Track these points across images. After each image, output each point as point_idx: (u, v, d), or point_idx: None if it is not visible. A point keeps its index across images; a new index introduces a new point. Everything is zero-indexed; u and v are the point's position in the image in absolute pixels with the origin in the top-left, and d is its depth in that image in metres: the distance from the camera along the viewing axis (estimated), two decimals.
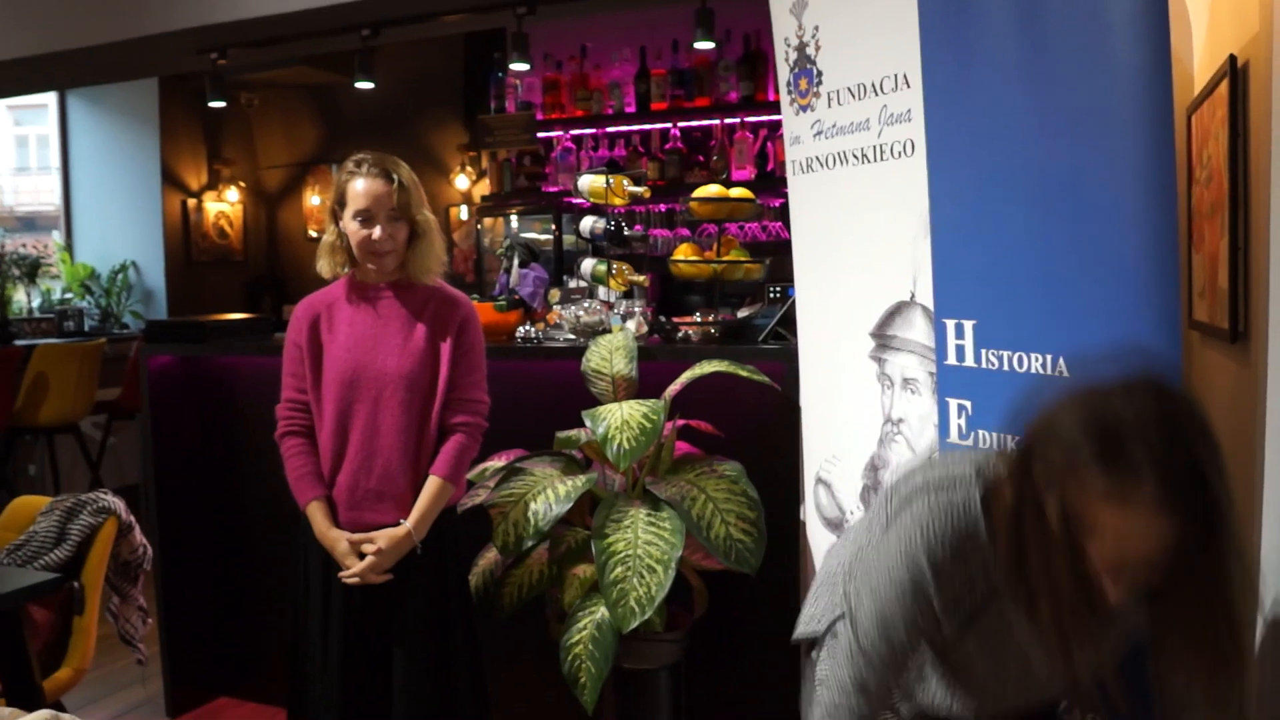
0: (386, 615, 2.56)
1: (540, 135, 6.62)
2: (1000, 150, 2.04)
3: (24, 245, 7.72)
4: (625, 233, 3.27)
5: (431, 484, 2.55)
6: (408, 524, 2.52)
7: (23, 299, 7.54)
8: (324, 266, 2.63)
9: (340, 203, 2.56)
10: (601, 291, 3.30)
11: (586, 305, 3.18)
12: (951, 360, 2.15)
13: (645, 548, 2.48)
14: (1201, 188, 2.03)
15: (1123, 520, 1.27)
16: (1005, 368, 2.03)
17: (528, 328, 3.31)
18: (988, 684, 1.60)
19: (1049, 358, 1.93)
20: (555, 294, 3.40)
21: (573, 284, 3.39)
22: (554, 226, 6.38)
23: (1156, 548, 1.27)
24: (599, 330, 3.12)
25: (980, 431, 2.10)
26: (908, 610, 1.52)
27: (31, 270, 7.44)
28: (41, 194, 8.59)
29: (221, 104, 5.01)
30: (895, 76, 2.36)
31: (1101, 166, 1.85)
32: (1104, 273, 1.85)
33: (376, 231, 2.52)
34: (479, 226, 7.08)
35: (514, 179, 6.87)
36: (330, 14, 4.11)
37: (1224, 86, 1.80)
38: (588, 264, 3.31)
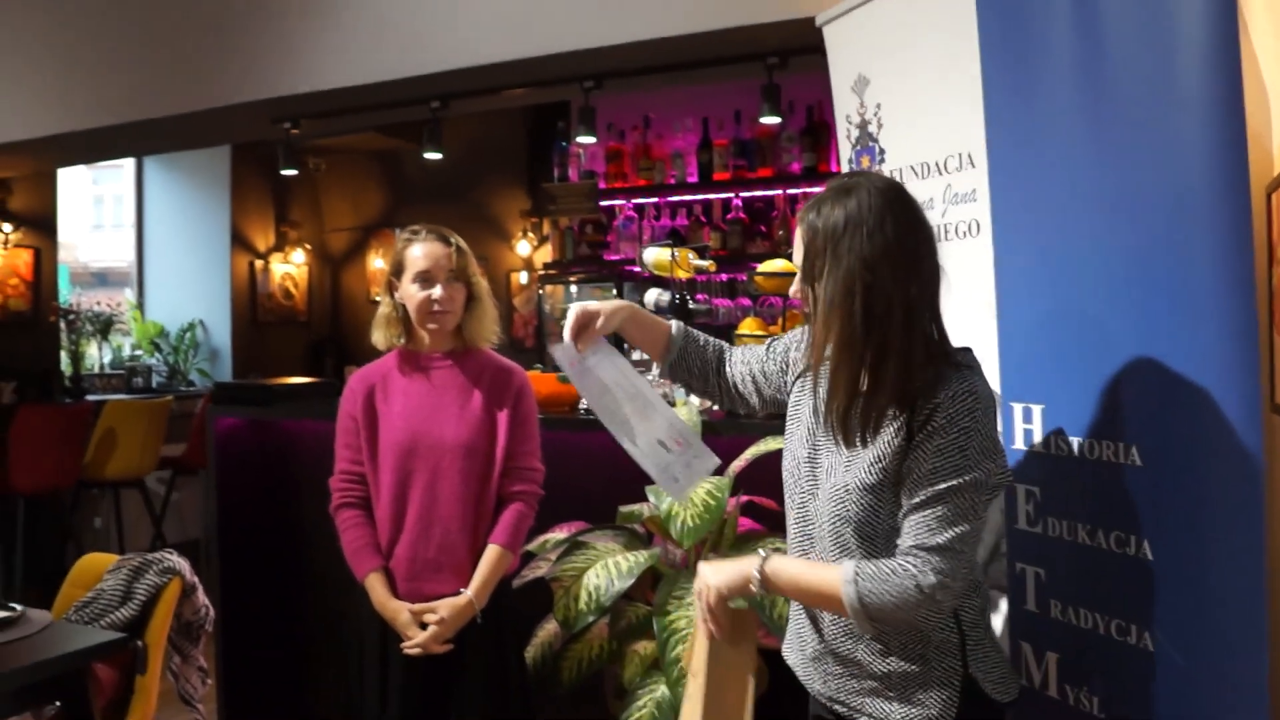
0: (445, 688, 2.55)
1: (602, 204, 6.70)
2: (1068, 231, 2.02)
3: (98, 302, 7.92)
4: (690, 306, 3.28)
5: (491, 553, 2.56)
6: (469, 593, 2.52)
7: (95, 354, 7.72)
8: (379, 338, 2.66)
9: (397, 272, 2.61)
10: None
11: (650, 378, 3.19)
12: (1019, 445, 2.12)
13: None
14: None
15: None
16: (1075, 454, 2.00)
17: None
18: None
19: (1121, 445, 1.90)
20: None
21: (636, 355, 3.40)
22: (615, 294, 6.41)
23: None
24: None
25: (1049, 519, 2.07)
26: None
27: (105, 327, 7.62)
28: (115, 251, 8.82)
29: (293, 172, 5.13)
30: (960, 155, 2.36)
31: (1173, 247, 1.82)
32: (1178, 356, 1.81)
33: (437, 291, 2.55)
34: (540, 293, 7.15)
35: (576, 247, 6.94)
36: (401, 86, 4.20)
37: None
38: None
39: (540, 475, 2.65)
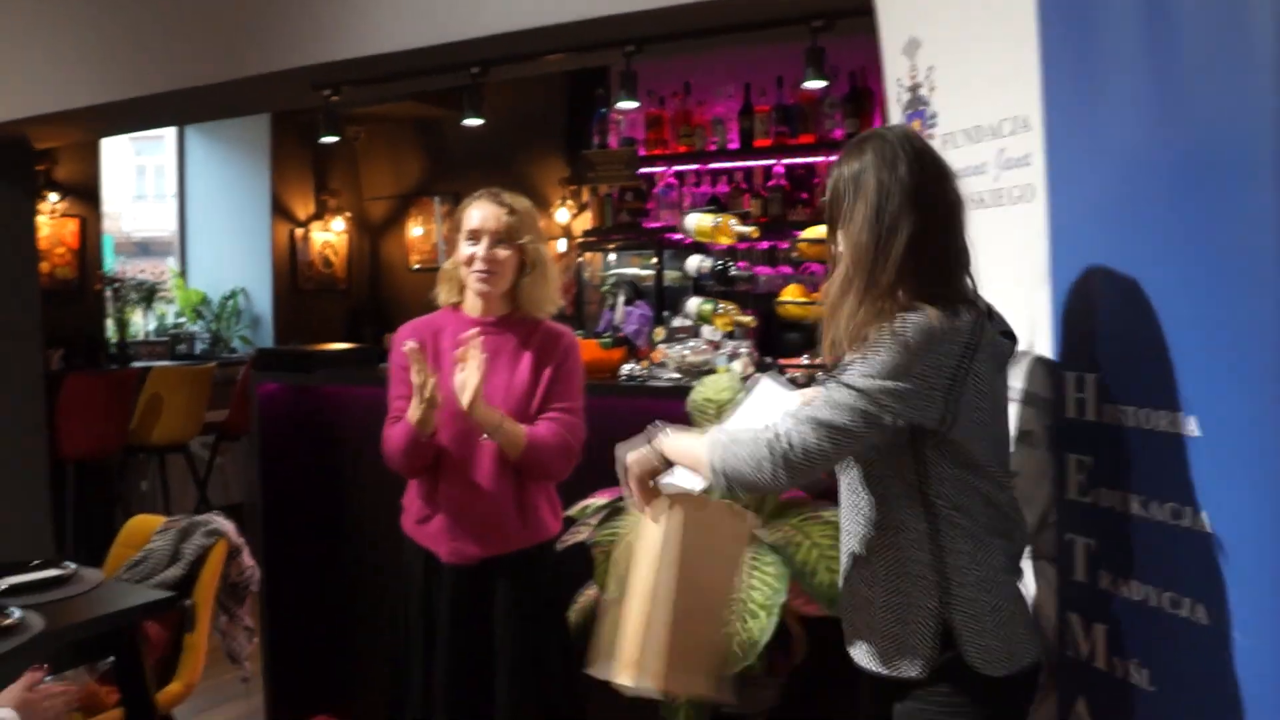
0: (490, 645, 2.58)
1: (642, 171, 6.64)
2: (1127, 196, 1.96)
3: (142, 270, 8.00)
4: (732, 273, 3.26)
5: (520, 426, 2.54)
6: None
7: (140, 322, 7.81)
8: (440, 292, 2.72)
9: (457, 231, 2.65)
10: (706, 330, 3.29)
11: (693, 345, 3.18)
12: (1072, 414, 2.09)
13: (749, 592, 2.45)
14: None
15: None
16: (1130, 424, 1.96)
17: (632, 365, 3.32)
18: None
19: (1177, 415, 1.86)
20: (660, 332, 3.41)
21: (677, 322, 3.40)
22: (655, 262, 6.38)
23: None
24: (704, 370, 3.11)
25: (1101, 489, 2.04)
26: None
27: (149, 295, 7.70)
28: (158, 221, 8.89)
29: (334, 139, 5.12)
30: (1014, 119, 2.31)
31: (1237, 213, 1.76)
32: (1239, 323, 1.77)
33: (481, 249, 2.57)
34: (579, 260, 7.14)
35: (615, 214, 6.91)
36: (441, 52, 4.17)
37: None
38: (693, 303, 3.31)
39: (573, 423, 2.61)
